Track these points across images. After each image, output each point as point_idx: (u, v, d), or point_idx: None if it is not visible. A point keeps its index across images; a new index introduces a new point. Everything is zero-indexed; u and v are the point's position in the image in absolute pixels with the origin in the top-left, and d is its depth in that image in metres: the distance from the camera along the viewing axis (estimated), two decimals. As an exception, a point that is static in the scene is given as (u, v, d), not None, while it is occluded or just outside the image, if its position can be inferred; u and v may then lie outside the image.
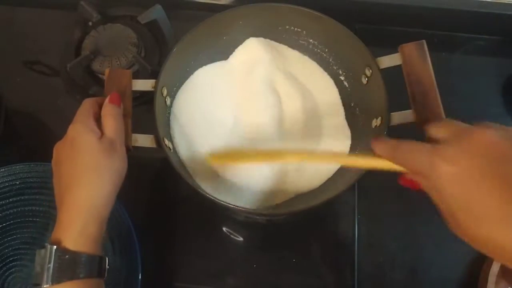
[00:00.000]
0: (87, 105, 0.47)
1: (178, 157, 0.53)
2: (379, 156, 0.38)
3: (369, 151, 0.47)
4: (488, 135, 0.32)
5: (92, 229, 0.41)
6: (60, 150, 0.45)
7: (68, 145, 0.44)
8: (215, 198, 0.46)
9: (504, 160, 0.31)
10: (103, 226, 0.43)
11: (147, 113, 0.52)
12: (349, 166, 0.47)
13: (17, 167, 0.57)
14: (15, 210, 0.56)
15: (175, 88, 0.55)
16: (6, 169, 0.57)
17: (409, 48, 0.50)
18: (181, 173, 0.47)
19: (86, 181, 0.42)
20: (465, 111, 0.65)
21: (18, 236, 0.56)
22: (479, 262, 0.57)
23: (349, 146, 0.57)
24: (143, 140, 0.48)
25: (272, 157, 0.51)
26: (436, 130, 0.36)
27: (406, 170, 0.36)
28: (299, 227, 0.60)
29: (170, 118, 0.55)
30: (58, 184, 0.44)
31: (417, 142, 0.35)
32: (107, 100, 0.47)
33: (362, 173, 0.47)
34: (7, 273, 0.55)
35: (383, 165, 0.38)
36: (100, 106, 0.47)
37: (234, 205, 0.46)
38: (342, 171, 0.54)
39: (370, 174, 0.46)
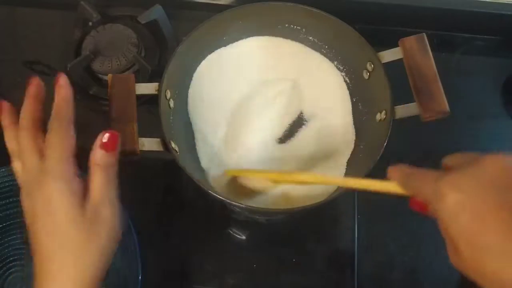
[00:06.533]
0: (71, 141, 0.38)
1: (185, 158, 0.53)
2: (392, 181, 0.37)
3: (373, 148, 0.49)
4: (499, 161, 0.29)
5: None
6: (33, 202, 0.37)
7: (42, 203, 0.36)
8: (224, 197, 0.46)
9: None
10: None
11: (147, 113, 0.52)
12: (362, 190, 0.43)
13: (17, 167, 0.57)
14: (15, 210, 0.56)
15: (177, 91, 0.55)
16: (6, 169, 0.57)
17: (410, 41, 0.50)
18: (190, 175, 0.47)
19: (59, 266, 0.35)
20: (465, 111, 0.66)
21: (18, 236, 0.56)
22: (479, 262, 0.57)
23: (353, 141, 0.57)
24: (150, 144, 0.47)
25: (283, 178, 0.50)
26: (449, 160, 0.34)
27: (416, 195, 0.35)
28: (299, 227, 0.60)
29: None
30: (33, 246, 0.37)
31: (430, 170, 0.33)
32: (97, 143, 0.37)
33: (362, 176, 0.47)
34: (7, 273, 0.55)
35: (395, 190, 0.37)
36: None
37: (240, 204, 0.46)
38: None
39: (371, 175, 0.47)
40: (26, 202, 0.38)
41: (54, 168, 0.36)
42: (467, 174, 0.30)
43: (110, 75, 0.49)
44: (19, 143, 0.39)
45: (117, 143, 0.38)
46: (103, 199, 0.37)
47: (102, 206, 0.37)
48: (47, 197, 0.36)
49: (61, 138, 0.37)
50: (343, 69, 0.59)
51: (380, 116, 0.52)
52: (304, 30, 0.59)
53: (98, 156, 0.37)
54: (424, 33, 0.50)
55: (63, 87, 0.40)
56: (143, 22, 0.66)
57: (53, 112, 0.39)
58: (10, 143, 0.40)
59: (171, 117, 0.53)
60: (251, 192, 0.54)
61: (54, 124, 0.38)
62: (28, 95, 0.41)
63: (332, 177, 0.51)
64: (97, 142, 0.37)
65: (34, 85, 0.41)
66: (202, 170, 0.55)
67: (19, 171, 0.40)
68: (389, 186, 0.37)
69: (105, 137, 0.37)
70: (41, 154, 0.38)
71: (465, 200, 0.29)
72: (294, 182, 0.49)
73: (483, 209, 0.28)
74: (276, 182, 0.50)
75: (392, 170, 0.37)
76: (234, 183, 0.54)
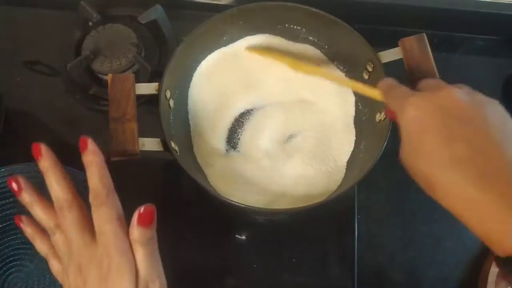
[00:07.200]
0: (121, 213, 0.37)
1: (185, 159, 0.53)
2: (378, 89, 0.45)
3: (373, 148, 0.50)
4: (453, 93, 0.37)
5: None
6: (79, 272, 0.36)
7: (98, 277, 0.35)
8: (224, 197, 0.46)
9: (455, 116, 0.36)
10: None
11: (147, 113, 0.52)
12: (348, 87, 0.57)
13: (17, 167, 0.57)
14: (15, 210, 0.56)
15: (177, 91, 0.55)
16: (6, 169, 0.57)
17: (410, 41, 0.50)
18: (190, 174, 0.47)
19: None
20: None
21: (18, 236, 0.56)
22: (479, 262, 0.57)
23: (353, 141, 0.57)
24: (150, 144, 0.47)
25: (294, 65, 0.57)
26: (422, 82, 0.42)
27: (388, 104, 0.43)
28: (299, 227, 0.60)
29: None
30: None
31: (406, 88, 0.41)
32: (134, 220, 0.36)
33: (362, 176, 0.47)
34: (7, 273, 0.55)
35: (377, 97, 0.45)
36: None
37: (240, 204, 0.46)
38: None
39: (371, 175, 0.47)
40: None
41: (116, 243, 0.36)
42: (426, 98, 0.38)
43: (110, 75, 0.49)
44: (63, 227, 0.38)
45: (153, 217, 0.37)
46: (151, 274, 0.37)
47: (150, 282, 0.37)
48: (107, 264, 0.36)
49: (112, 213, 0.37)
50: (343, 69, 0.59)
51: (380, 116, 0.52)
52: (304, 30, 0.59)
53: (136, 233, 0.37)
54: (424, 33, 0.50)
55: (95, 154, 0.38)
56: (143, 22, 0.66)
57: (92, 184, 0.37)
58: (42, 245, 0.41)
59: (171, 117, 0.53)
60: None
61: (100, 198, 0.37)
62: (57, 171, 0.39)
63: (330, 73, 0.59)
64: (134, 220, 0.37)
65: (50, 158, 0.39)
66: (202, 170, 0.55)
67: (59, 271, 0.40)
68: (374, 93, 0.45)
69: (141, 213, 0.37)
70: (91, 238, 0.37)
71: (418, 116, 0.37)
72: (302, 71, 0.57)
73: (428, 124, 0.36)
74: (292, 67, 0.57)
75: (382, 81, 0.45)
76: (233, 183, 0.54)
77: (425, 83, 0.41)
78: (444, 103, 0.37)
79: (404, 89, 0.41)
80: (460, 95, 0.37)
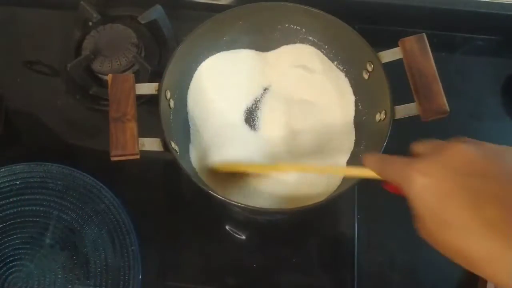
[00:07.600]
0: None
1: (185, 159, 0.53)
2: (367, 168, 0.41)
3: (373, 148, 0.50)
4: (462, 150, 0.33)
5: None
6: None
7: None
8: (224, 197, 0.46)
9: (474, 174, 0.32)
10: None
11: (147, 113, 0.52)
12: (342, 175, 0.53)
13: (17, 167, 0.57)
14: (15, 210, 0.56)
15: (177, 91, 0.55)
16: (6, 169, 0.57)
17: (410, 41, 0.50)
18: (190, 175, 0.47)
19: None
20: (464, 111, 0.66)
21: (18, 236, 0.56)
22: (479, 262, 0.57)
23: (353, 141, 0.57)
24: (150, 144, 0.47)
25: (271, 169, 0.55)
26: (417, 147, 0.37)
27: (388, 180, 0.38)
28: (299, 227, 0.60)
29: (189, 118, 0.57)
30: None
31: (399, 156, 0.37)
32: None
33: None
34: (7, 273, 0.55)
35: (370, 175, 0.40)
36: None
37: (240, 204, 0.47)
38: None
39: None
40: None
41: None
42: (433, 161, 0.33)
43: (110, 75, 0.49)
44: None
45: None
46: None
47: None
48: None
49: None
50: (343, 69, 0.59)
51: (380, 116, 0.52)
52: (304, 30, 0.59)
53: None
54: (424, 33, 0.51)
55: None
56: (143, 22, 0.66)
57: None
58: None
59: (171, 117, 0.53)
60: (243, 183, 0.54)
61: None
62: None
63: (314, 166, 0.56)
64: None
65: None
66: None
67: None
68: (365, 172, 0.41)
69: None
70: None
71: (431, 183, 0.32)
72: (277, 171, 0.55)
73: (446, 190, 0.32)
74: (263, 171, 0.55)
75: (367, 158, 0.41)
76: (228, 182, 0.54)
77: (422, 146, 0.37)
78: (455, 162, 0.32)
79: (400, 159, 0.36)
80: (470, 150, 0.33)
